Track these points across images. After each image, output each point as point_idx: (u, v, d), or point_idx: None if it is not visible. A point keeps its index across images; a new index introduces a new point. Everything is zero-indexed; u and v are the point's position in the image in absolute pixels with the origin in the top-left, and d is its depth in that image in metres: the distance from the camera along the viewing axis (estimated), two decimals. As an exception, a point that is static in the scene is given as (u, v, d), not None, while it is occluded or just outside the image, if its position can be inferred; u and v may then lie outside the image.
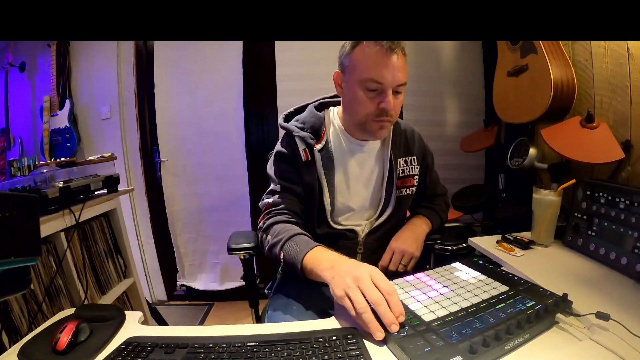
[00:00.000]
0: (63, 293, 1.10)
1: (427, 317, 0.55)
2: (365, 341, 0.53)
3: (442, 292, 0.64)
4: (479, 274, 0.71)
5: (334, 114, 0.95)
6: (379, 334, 0.52)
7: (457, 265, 0.76)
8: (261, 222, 0.88)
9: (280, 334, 0.57)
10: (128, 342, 0.55)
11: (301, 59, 2.04)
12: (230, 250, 0.97)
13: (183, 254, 2.27)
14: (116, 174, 1.43)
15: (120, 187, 1.46)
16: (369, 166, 0.94)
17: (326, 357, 0.49)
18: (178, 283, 2.32)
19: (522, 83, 1.32)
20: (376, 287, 0.57)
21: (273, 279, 1.04)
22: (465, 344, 0.48)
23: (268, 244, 0.83)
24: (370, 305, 0.55)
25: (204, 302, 2.26)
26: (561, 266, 0.80)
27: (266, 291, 1.02)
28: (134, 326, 0.63)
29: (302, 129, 0.90)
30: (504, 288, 0.64)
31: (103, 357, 0.53)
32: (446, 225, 1.10)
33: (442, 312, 0.57)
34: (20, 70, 2.11)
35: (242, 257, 0.98)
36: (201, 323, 2.03)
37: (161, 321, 1.60)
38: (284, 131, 0.93)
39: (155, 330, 0.61)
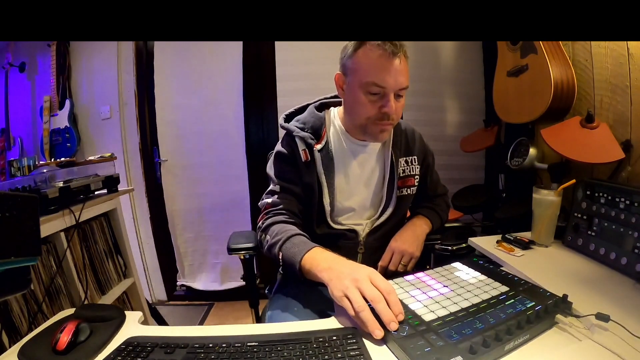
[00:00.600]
0: (63, 293, 1.10)
1: (427, 317, 0.56)
2: (365, 341, 0.53)
3: (443, 292, 0.64)
4: (479, 274, 0.71)
5: (335, 114, 0.95)
6: (378, 333, 0.52)
7: (457, 265, 0.76)
8: (260, 222, 0.88)
9: (280, 334, 0.57)
10: (128, 342, 0.55)
11: (301, 59, 2.03)
12: (230, 250, 0.97)
13: (183, 254, 2.27)
14: (116, 174, 1.43)
15: (120, 187, 1.46)
16: (369, 166, 0.94)
17: (326, 357, 0.49)
18: (178, 283, 2.32)
19: (522, 83, 1.32)
20: (375, 287, 0.57)
21: (273, 280, 1.04)
22: (466, 344, 0.48)
23: (267, 244, 0.83)
24: (369, 305, 0.55)
25: (204, 302, 2.26)
26: (561, 266, 0.80)
27: (266, 292, 1.03)
28: (134, 326, 0.63)
29: (302, 129, 0.90)
30: (504, 288, 0.64)
31: (103, 357, 0.53)
32: (446, 225, 1.10)
33: (442, 312, 0.57)
34: (20, 70, 2.11)
35: (242, 257, 0.98)
36: (201, 323, 2.03)
37: (161, 321, 1.60)
38: (285, 131, 0.93)
39: (155, 330, 0.61)
